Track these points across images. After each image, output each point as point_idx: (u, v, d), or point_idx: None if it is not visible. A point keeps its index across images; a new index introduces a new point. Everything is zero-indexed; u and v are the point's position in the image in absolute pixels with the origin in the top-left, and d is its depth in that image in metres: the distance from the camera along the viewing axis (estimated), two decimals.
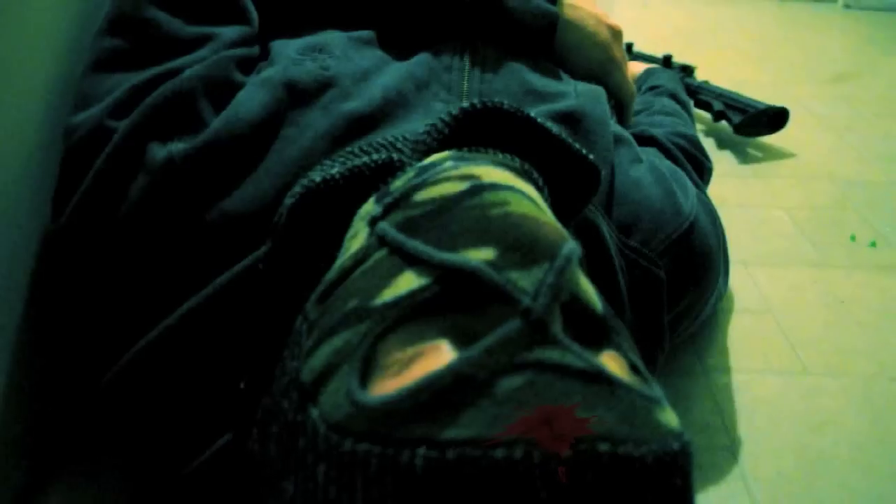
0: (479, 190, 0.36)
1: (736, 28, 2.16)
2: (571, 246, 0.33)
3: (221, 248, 0.48)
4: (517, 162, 0.43)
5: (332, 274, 0.38)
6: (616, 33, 0.75)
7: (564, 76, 0.67)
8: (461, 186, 0.37)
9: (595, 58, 0.73)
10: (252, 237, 0.48)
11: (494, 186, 0.37)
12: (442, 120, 0.46)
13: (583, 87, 0.65)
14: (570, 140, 0.47)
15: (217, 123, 0.50)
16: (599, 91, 0.65)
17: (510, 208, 0.35)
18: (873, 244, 0.97)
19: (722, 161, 1.20)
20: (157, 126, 0.50)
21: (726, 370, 0.73)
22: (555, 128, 0.47)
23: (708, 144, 1.27)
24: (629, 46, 1.50)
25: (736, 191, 1.09)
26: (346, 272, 0.37)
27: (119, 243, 0.48)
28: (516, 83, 0.62)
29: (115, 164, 0.49)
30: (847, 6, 2.47)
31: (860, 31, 2.18)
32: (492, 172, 0.39)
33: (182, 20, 0.57)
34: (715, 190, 0.89)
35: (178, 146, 0.49)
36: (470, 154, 0.42)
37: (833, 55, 1.91)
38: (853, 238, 0.98)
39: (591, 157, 0.47)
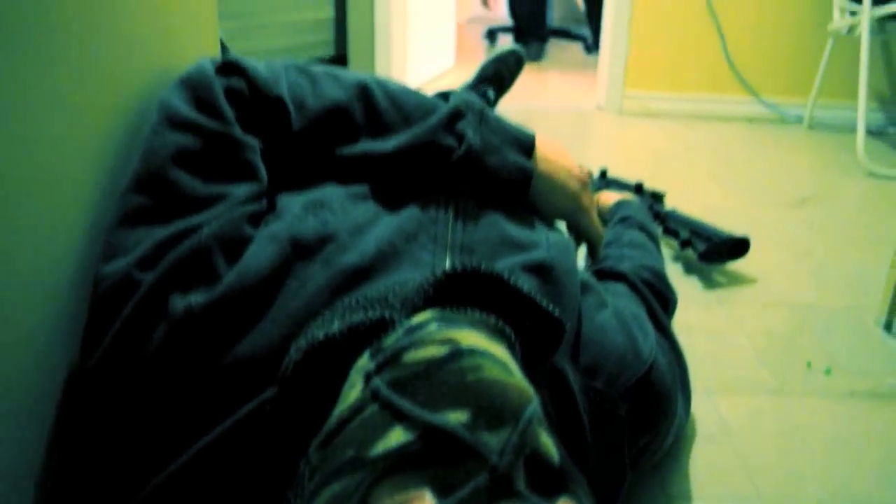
0: (457, 355, 0.43)
1: (707, 149, 2.30)
2: (534, 407, 0.40)
3: (233, 389, 0.54)
4: (492, 320, 0.50)
5: (331, 422, 0.45)
6: (584, 183, 0.83)
7: (538, 225, 0.75)
8: (442, 351, 0.44)
9: (565, 206, 0.81)
10: (261, 380, 0.54)
11: (471, 352, 0.44)
12: (428, 282, 0.54)
13: (554, 237, 0.73)
14: (538, 299, 0.54)
15: (230, 277, 0.57)
16: (569, 242, 0.73)
17: (483, 373, 0.42)
18: (828, 371, 1.04)
19: (688, 287, 1.29)
20: (178, 280, 0.57)
21: (688, 498, 0.79)
22: (526, 286, 0.55)
23: (676, 270, 1.36)
24: (603, 172, 1.60)
25: (701, 318, 1.17)
26: (344, 422, 0.43)
27: (142, 384, 0.55)
28: (495, 233, 0.70)
29: (141, 313, 0.56)
30: (811, 127, 2.62)
31: (824, 153, 2.31)
32: (469, 336, 0.46)
33: (200, 179, 0.65)
34: (681, 317, 0.96)
35: (196, 298, 0.56)
36: (451, 315, 0.49)
37: (797, 177, 2.03)
38: (809, 365, 1.06)
39: (556, 313, 0.54)
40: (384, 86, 0.76)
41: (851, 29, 2.35)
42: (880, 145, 2.42)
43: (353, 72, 0.78)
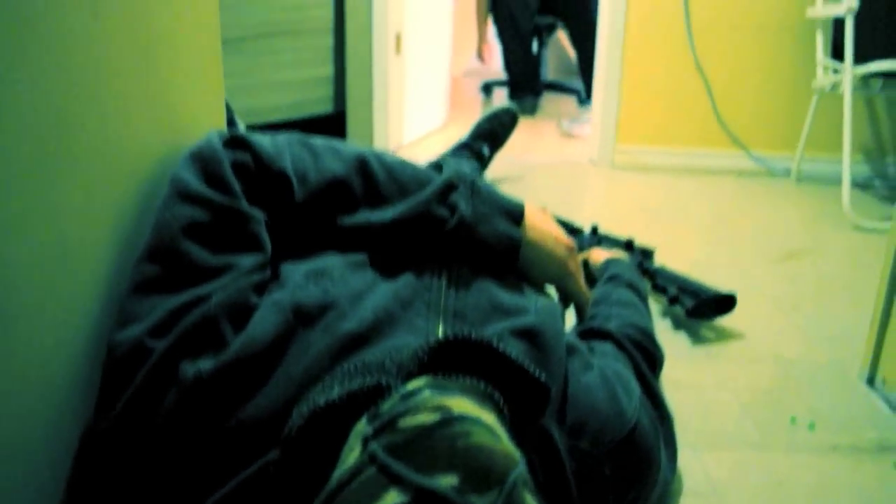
0: (448, 422, 0.47)
1: (697, 202, 2.36)
2: (519, 470, 0.44)
3: (238, 451, 0.58)
4: (482, 386, 0.54)
5: (332, 484, 0.48)
6: (570, 249, 0.88)
7: (527, 290, 0.80)
8: (435, 417, 0.48)
9: (553, 272, 0.86)
10: (265, 442, 0.58)
11: (461, 419, 0.47)
12: (422, 349, 0.58)
13: (542, 302, 0.77)
14: (525, 364, 0.58)
15: (237, 344, 0.61)
16: (556, 307, 0.77)
17: (472, 439, 0.46)
18: (812, 426, 1.08)
19: (677, 343, 1.32)
20: (188, 346, 0.61)
21: None
22: (514, 351, 0.59)
23: (665, 326, 1.40)
24: (594, 229, 1.65)
25: (688, 373, 1.21)
26: (343, 484, 0.47)
27: (153, 446, 0.58)
28: (485, 299, 0.74)
29: (153, 379, 0.60)
30: (799, 180, 2.68)
31: (811, 206, 2.37)
32: (460, 403, 0.50)
33: (209, 251, 0.69)
34: (670, 373, 1.00)
35: (205, 364, 0.60)
36: (443, 382, 0.53)
37: (785, 231, 2.08)
38: (793, 420, 1.09)
39: (543, 378, 0.58)
40: (381, 159, 0.81)
41: (835, 86, 2.42)
42: (866, 198, 2.48)
43: (352, 145, 0.83)
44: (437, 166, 0.84)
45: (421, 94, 3.12)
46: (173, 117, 0.82)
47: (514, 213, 0.82)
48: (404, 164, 0.83)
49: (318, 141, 0.82)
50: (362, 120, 2.78)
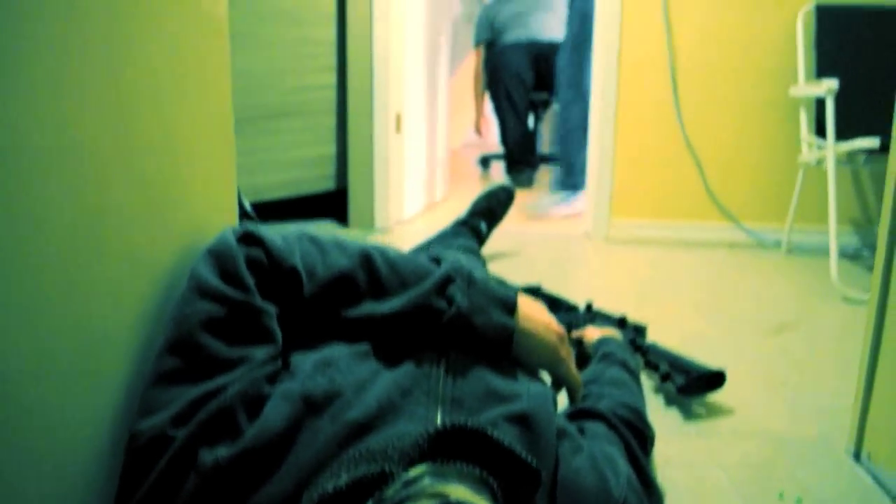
0: None
1: (690, 275, 2.42)
2: None
3: None
4: (477, 472, 0.59)
5: None
6: (560, 336, 0.94)
7: (520, 375, 0.85)
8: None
9: (545, 358, 0.91)
10: None
11: None
12: (422, 437, 0.63)
13: (535, 388, 0.82)
14: (517, 450, 0.64)
15: (251, 433, 0.67)
16: (548, 392, 0.82)
17: None
18: (799, 501, 1.12)
19: (669, 420, 1.37)
20: (206, 435, 0.66)
21: None
22: (507, 438, 0.64)
23: (657, 403, 1.44)
24: (589, 306, 1.71)
25: (680, 450, 1.25)
26: None
27: None
28: (481, 386, 0.80)
29: (175, 466, 0.65)
30: (790, 251, 2.75)
31: (801, 277, 2.43)
32: (457, 490, 0.55)
33: (225, 344, 0.75)
34: (662, 449, 1.04)
35: (222, 452, 0.65)
36: (442, 468, 0.58)
37: (775, 303, 2.14)
38: (781, 496, 1.13)
39: (534, 463, 0.63)
40: (384, 253, 0.88)
41: (819, 161, 2.51)
42: (855, 269, 2.55)
43: (356, 241, 0.89)
44: (436, 259, 0.91)
45: (420, 170, 3.21)
46: (190, 212, 0.89)
47: (508, 304, 0.88)
48: (405, 259, 0.89)
49: (325, 237, 0.88)
50: (363, 197, 2.87)
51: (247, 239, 0.83)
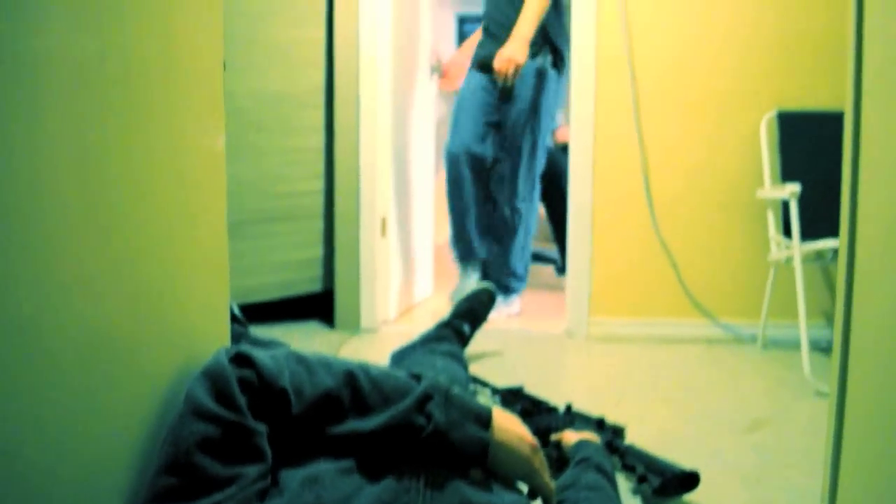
0: None
1: (667, 373, 2.48)
2: None
3: None
4: None
5: None
6: (534, 448, 1.00)
7: (496, 487, 0.91)
8: None
9: (520, 469, 0.97)
10: None
11: None
12: None
13: (509, 498, 0.88)
14: None
15: None
16: (523, 502, 0.88)
17: None
18: None
19: None
20: None
21: None
22: None
23: (634, 503, 1.49)
24: (568, 407, 1.77)
25: None
26: None
27: None
28: (458, 499, 0.85)
29: None
30: (765, 346, 2.83)
31: (776, 372, 2.50)
32: None
33: (219, 463, 0.80)
34: None
35: None
36: None
37: (750, 400, 2.20)
38: None
39: None
40: (367, 372, 0.94)
41: (788, 260, 2.62)
42: (829, 362, 2.62)
43: (342, 359, 0.96)
44: (416, 376, 0.97)
45: (405, 271, 3.30)
46: (185, 323, 0.96)
47: (483, 418, 0.95)
48: (388, 375, 0.96)
49: (312, 356, 0.95)
50: (350, 298, 2.94)
51: (239, 360, 0.89)
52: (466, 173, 3.16)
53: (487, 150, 3.16)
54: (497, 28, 3.15)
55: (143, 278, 0.84)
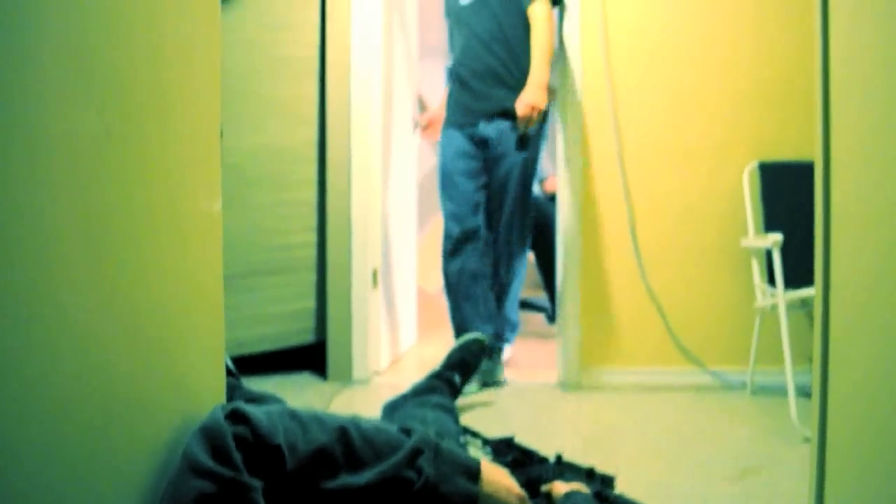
0: None
1: (657, 421, 2.51)
2: None
3: None
4: None
5: None
6: (523, 500, 1.03)
7: None
8: None
9: None
10: None
11: None
12: None
13: None
14: None
15: None
16: None
17: None
18: None
19: None
20: None
21: None
22: None
23: None
24: (558, 458, 1.79)
25: None
26: None
27: None
28: None
29: None
30: (754, 392, 2.85)
31: (764, 419, 2.52)
32: None
33: None
34: None
35: None
36: None
37: (738, 447, 2.23)
38: None
39: None
40: (359, 427, 0.98)
41: (774, 307, 2.66)
42: None
43: (334, 414, 0.99)
44: (407, 430, 1.01)
45: (393, 320, 3.34)
46: (184, 386, 0.99)
47: (472, 471, 0.98)
48: (378, 431, 0.99)
49: (305, 413, 0.98)
50: (341, 349, 2.97)
51: (234, 417, 0.92)
52: (465, 247, 3.04)
53: (480, 219, 3.06)
54: (475, 78, 3.07)
55: (144, 335, 0.88)
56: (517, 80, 2.98)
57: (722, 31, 2.97)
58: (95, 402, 0.77)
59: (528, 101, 2.90)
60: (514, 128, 3.00)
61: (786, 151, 2.93)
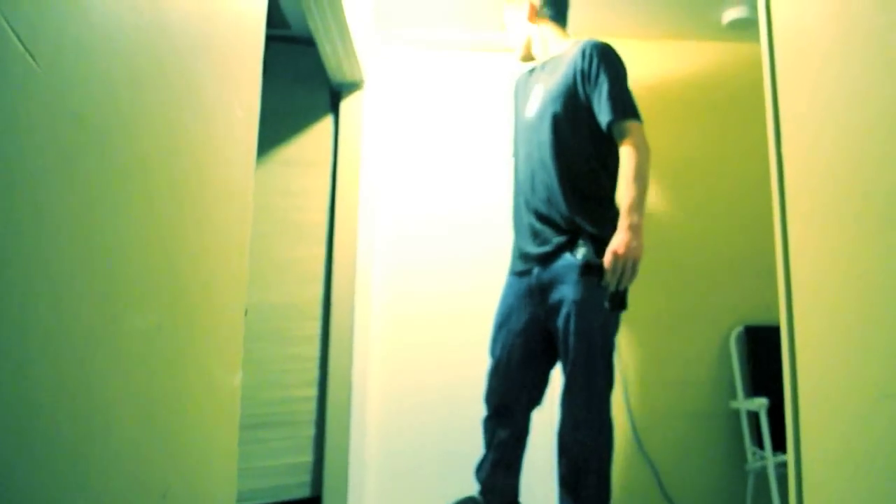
0: None
1: None
2: None
3: None
4: None
5: None
6: None
7: None
8: None
9: None
10: None
11: None
12: None
13: None
14: None
15: None
16: None
17: None
18: None
19: None
20: None
21: None
22: None
23: None
24: None
25: None
26: None
27: None
28: None
29: None
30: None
31: None
32: None
33: None
34: None
35: None
36: None
37: None
38: None
39: None
40: None
41: (764, 468, 2.71)
42: None
43: None
44: None
45: (393, 473, 3.36)
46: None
47: None
48: None
49: None
50: (338, 502, 2.98)
51: None
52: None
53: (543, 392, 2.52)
54: (545, 224, 2.41)
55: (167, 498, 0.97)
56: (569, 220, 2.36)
57: (700, 209, 3.18)
58: None
59: (622, 249, 2.19)
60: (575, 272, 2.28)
61: (771, 315, 3.07)
